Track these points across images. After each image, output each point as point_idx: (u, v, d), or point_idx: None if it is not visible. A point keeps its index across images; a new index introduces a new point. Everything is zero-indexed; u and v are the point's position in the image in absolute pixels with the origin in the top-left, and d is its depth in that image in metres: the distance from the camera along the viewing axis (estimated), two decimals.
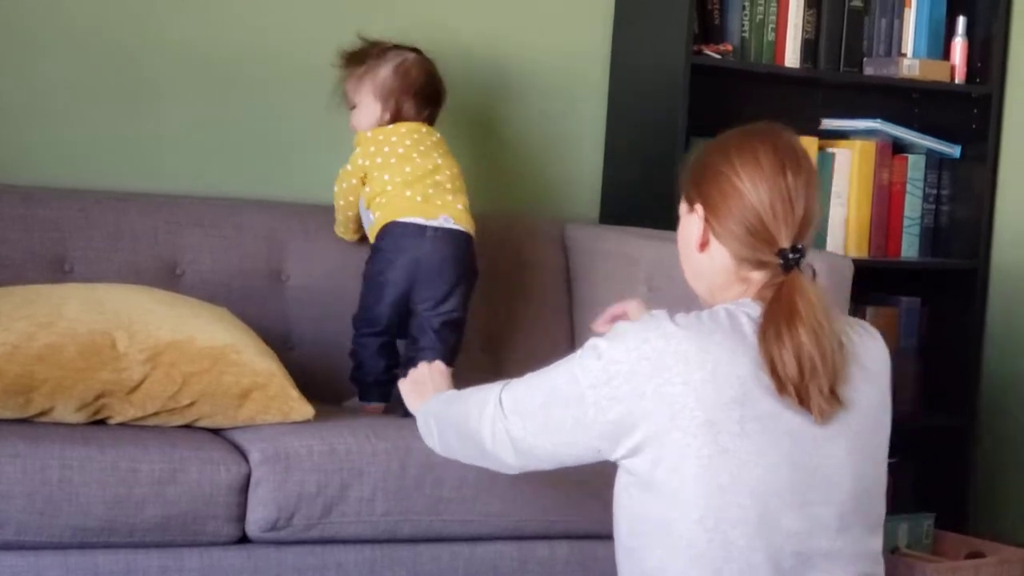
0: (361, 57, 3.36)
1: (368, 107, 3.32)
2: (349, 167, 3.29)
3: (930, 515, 3.95)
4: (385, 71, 3.33)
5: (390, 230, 3.19)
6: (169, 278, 3.31)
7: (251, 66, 3.62)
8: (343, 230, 3.40)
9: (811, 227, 2.28)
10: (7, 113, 3.45)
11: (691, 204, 2.33)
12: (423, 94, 3.34)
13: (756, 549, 2.17)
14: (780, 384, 2.17)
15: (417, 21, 3.71)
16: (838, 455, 2.23)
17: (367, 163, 3.26)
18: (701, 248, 2.31)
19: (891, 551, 3.80)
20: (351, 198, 3.30)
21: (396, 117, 3.31)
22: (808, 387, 2.18)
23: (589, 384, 2.23)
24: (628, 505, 2.26)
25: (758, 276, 2.27)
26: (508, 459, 2.38)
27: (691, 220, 2.33)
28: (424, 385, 2.72)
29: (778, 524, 2.18)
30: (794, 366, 2.16)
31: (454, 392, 2.60)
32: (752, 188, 2.25)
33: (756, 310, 2.24)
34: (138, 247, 3.31)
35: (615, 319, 2.71)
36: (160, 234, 3.34)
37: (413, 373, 2.76)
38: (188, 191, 3.54)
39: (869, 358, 2.31)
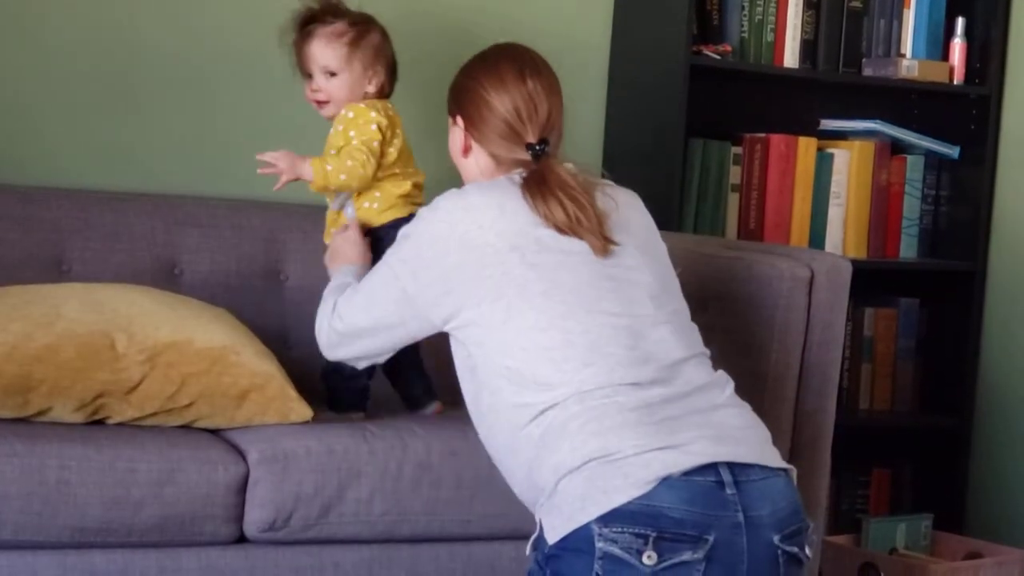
0: (342, 17, 3.11)
1: (357, 78, 3.10)
2: (372, 127, 3.02)
3: (928, 516, 3.96)
4: (376, 37, 3.12)
5: None
6: (167, 278, 3.31)
7: (249, 67, 3.61)
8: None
9: (556, 127, 2.64)
10: (6, 114, 3.45)
11: (452, 117, 2.72)
12: (395, 66, 3.19)
13: (590, 331, 2.45)
14: (558, 229, 2.51)
15: (415, 23, 3.71)
16: (632, 259, 2.55)
17: (380, 134, 3.05)
18: (465, 154, 2.69)
19: (889, 552, 3.80)
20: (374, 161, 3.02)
21: (380, 93, 3.13)
22: (579, 231, 2.51)
23: (400, 259, 2.59)
24: (470, 362, 2.54)
25: (516, 171, 2.61)
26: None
27: (455, 131, 2.71)
28: (336, 255, 2.98)
29: (601, 306, 2.48)
30: (560, 212, 2.51)
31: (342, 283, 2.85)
32: (498, 100, 2.62)
33: (519, 178, 2.59)
34: (136, 247, 3.31)
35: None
36: (158, 234, 3.34)
37: (332, 244, 3.01)
38: (186, 191, 3.54)
39: (624, 197, 2.65)
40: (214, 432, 2.91)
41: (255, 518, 2.78)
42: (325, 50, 3.10)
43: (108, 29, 3.50)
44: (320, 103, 3.12)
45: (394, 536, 2.88)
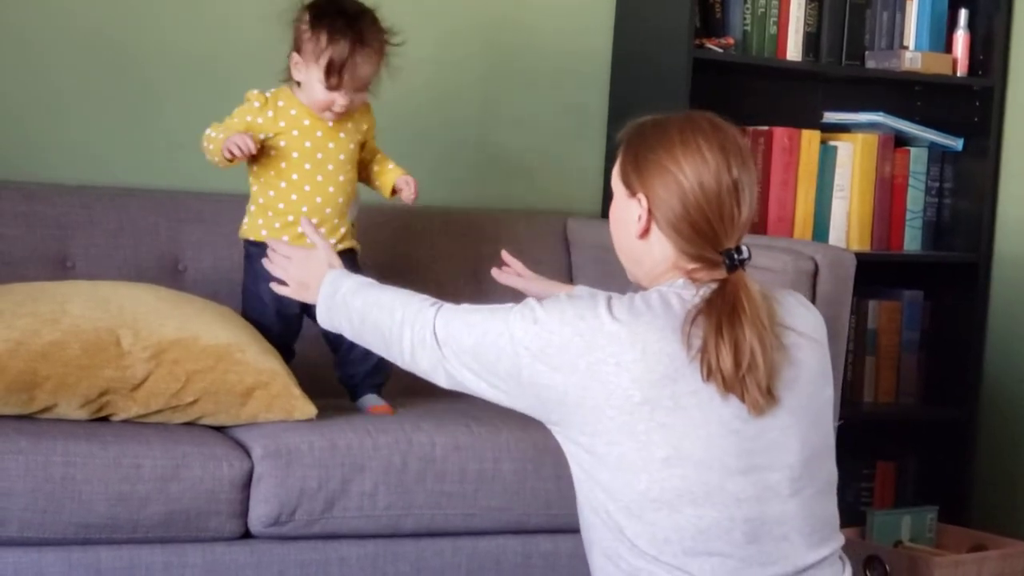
0: (380, 27, 3.02)
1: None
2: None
3: (933, 508, 3.95)
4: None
5: None
6: (171, 274, 3.31)
7: (252, 63, 3.61)
8: None
9: (749, 225, 2.30)
10: (9, 110, 3.45)
11: (632, 191, 2.31)
12: None
13: (703, 517, 2.19)
14: (708, 372, 2.18)
15: (419, 17, 3.71)
16: (782, 422, 2.23)
17: None
18: (641, 236, 2.30)
19: (894, 545, 3.80)
20: None
21: None
22: (744, 380, 2.18)
23: (524, 345, 2.26)
24: (581, 478, 2.29)
25: (696, 266, 2.28)
26: (440, 383, 2.41)
27: (631, 207, 2.31)
28: (308, 283, 2.66)
29: (725, 491, 2.19)
30: (729, 360, 2.17)
31: (368, 284, 2.54)
32: (697, 187, 2.23)
33: (689, 290, 2.25)
34: (140, 243, 3.31)
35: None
36: (162, 230, 3.35)
37: (292, 273, 2.70)
38: (190, 187, 3.54)
39: (806, 327, 2.31)
40: (218, 429, 2.92)
41: (260, 514, 2.78)
42: (369, 67, 3.00)
43: (112, 26, 3.50)
44: (337, 112, 3.02)
45: (398, 531, 2.88)
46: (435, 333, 2.36)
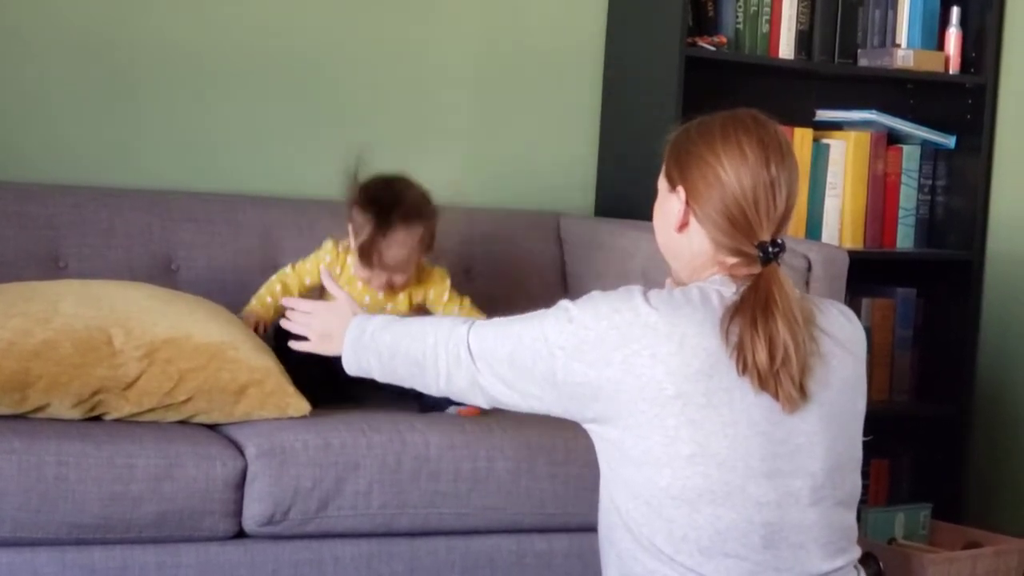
0: (409, 215, 3.13)
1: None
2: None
3: (927, 506, 3.95)
4: (433, 225, 3.16)
5: None
6: (164, 274, 3.31)
7: (244, 63, 3.61)
8: None
9: (790, 220, 2.31)
10: (0, 110, 3.44)
11: (672, 184, 2.34)
12: None
13: (721, 517, 2.20)
14: (744, 367, 2.19)
15: (412, 14, 3.70)
16: (810, 428, 2.24)
17: None
18: (680, 229, 2.32)
19: (888, 542, 3.80)
20: None
21: None
22: (779, 375, 2.20)
23: (559, 345, 2.26)
24: (607, 475, 2.30)
25: (735, 261, 2.30)
26: (479, 402, 2.40)
27: (671, 200, 2.34)
28: (331, 333, 2.62)
29: (746, 494, 2.20)
30: (764, 354, 2.18)
31: (394, 319, 2.53)
32: (735, 180, 2.26)
33: (728, 288, 2.27)
34: (132, 243, 3.31)
35: None
36: (154, 230, 3.34)
37: (315, 327, 2.65)
38: (182, 187, 3.54)
39: (844, 336, 2.32)
40: (212, 427, 2.91)
41: (254, 513, 2.78)
42: (400, 250, 3.11)
43: (103, 24, 3.50)
44: (377, 287, 3.17)
45: (392, 529, 2.88)
46: (469, 348, 2.37)
